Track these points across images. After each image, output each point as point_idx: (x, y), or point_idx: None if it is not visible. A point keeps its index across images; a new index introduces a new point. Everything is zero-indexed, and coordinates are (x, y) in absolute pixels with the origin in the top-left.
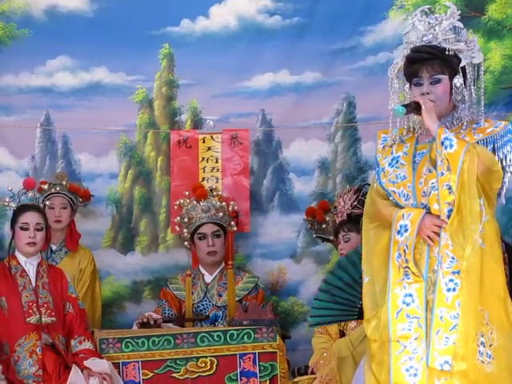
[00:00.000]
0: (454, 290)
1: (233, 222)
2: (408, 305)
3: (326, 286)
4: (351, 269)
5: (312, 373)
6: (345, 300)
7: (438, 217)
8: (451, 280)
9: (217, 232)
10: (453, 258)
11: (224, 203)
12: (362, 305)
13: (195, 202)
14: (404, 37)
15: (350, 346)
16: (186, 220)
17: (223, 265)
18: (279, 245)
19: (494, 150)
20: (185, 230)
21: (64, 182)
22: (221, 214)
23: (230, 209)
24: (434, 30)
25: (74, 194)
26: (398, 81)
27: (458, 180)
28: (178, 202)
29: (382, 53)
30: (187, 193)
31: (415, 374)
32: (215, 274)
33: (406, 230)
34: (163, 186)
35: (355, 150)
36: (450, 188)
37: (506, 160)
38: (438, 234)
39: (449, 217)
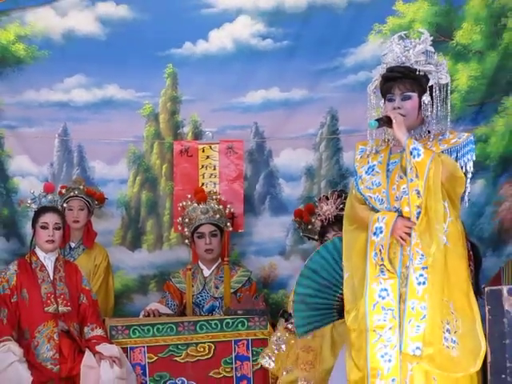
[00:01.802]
0: (423, 283)
1: (229, 223)
2: (383, 298)
3: (298, 297)
4: (314, 275)
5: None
6: (320, 305)
7: (409, 219)
8: (421, 275)
9: (214, 232)
10: (422, 255)
11: (221, 206)
12: (338, 305)
13: (196, 205)
14: (382, 58)
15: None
16: (186, 220)
17: (220, 261)
18: (270, 243)
19: (456, 159)
20: (186, 230)
21: (81, 187)
22: (218, 215)
23: (227, 211)
24: (408, 52)
25: (91, 197)
26: (375, 96)
27: (425, 185)
28: (181, 204)
29: (361, 72)
30: (189, 196)
31: (389, 360)
32: (213, 268)
33: (381, 232)
34: (167, 190)
35: (338, 158)
36: (418, 192)
37: (466, 167)
38: (410, 235)
39: (418, 218)
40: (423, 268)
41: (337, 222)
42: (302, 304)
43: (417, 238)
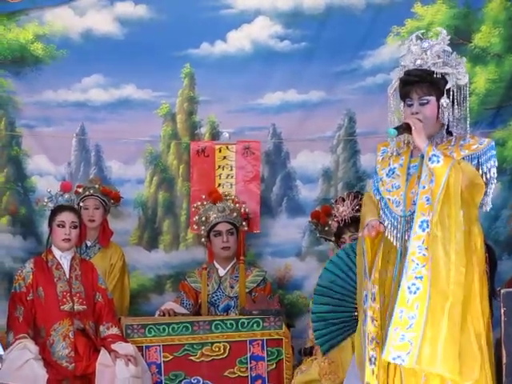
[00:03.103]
0: (415, 293)
1: (244, 223)
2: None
3: (316, 316)
4: (328, 291)
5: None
6: (339, 318)
7: (380, 223)
8: (414, 284)
9: (230, 230)
10: (417, 264)
11: (237, 205)
12: (357, 314)
13: (212, 204)
14: (400, 59)
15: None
16: (203, 219)
17: (235, 260)
18: (286, 244)
19: (478, 165)
20: (202, 228)
21: (97, 186)
22: (234, 214)
23: (242, 211)
24: (426, 54)
25: (106, 195)
26: (395, 99)
27: (442, 192)
28: (195, 205)
29: (379, 74)
30: (203, 196)
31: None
32: (228, 268)
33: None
34: (184, 191)
35: (355, 160)
36: (427, 200)
37: (489, 173)
38: (377, 235)
39: (420, 227)
40: (416, 278)
41: (353, 223)
42: (319, 322)
43: (415, 247)
